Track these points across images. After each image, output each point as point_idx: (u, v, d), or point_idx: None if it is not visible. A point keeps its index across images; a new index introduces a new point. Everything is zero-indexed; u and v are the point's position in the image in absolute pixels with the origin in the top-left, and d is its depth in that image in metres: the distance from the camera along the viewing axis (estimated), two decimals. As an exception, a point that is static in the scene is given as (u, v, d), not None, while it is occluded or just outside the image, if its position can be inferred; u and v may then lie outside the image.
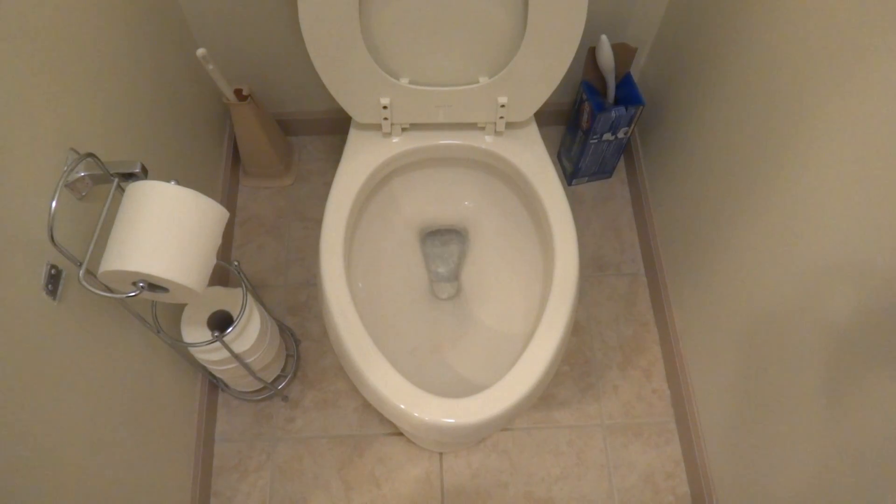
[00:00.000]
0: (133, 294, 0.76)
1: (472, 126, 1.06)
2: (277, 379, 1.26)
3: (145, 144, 1.04)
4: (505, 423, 0.88)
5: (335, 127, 1.53)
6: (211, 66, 1.13)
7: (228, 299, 1.07)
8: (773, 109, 0.90)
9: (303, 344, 1.34)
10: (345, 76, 0.96)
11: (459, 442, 1.19)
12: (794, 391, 0.90)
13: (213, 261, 0.81)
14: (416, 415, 0.85)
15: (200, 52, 1.09)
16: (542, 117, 1.53)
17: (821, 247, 0.82)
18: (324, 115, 1.50)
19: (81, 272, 0.75)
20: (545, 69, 0.95)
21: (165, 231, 0.74)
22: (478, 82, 0.98)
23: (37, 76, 0.75)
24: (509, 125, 1.06)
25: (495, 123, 1.03)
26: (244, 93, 1.28)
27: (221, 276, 1.36)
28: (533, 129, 1.06)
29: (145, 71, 1.05)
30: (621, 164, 1.54)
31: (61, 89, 0.80)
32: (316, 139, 1.57)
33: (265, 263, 1.43)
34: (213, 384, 1.26)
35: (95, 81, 0.89)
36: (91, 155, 0.76)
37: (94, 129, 0.87)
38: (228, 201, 1.44)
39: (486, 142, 1.05)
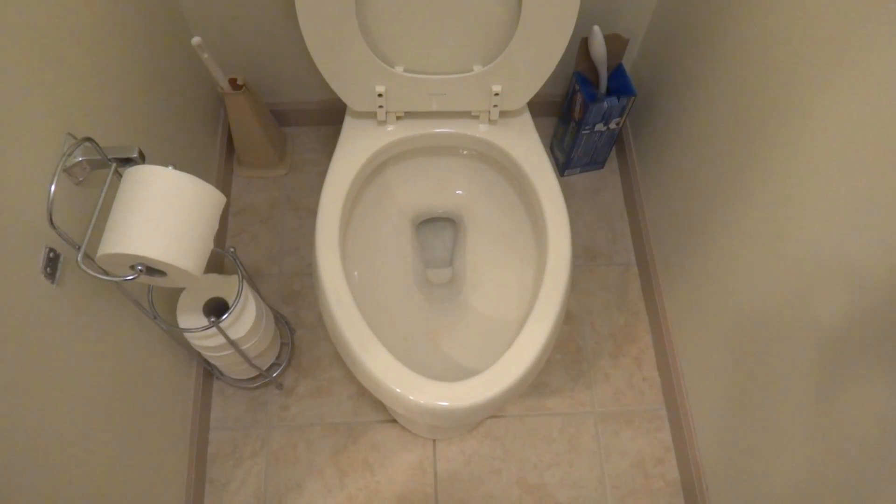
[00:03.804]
0: (131, 277, 0.77)
1: (466, 115, 1.07)
2: (272, 367, 1.27)
3: (141, 133, 1.04)
4: (498, 407, 0.89)
5: (329, 117, 1.54)
6: (206, 55, 1.13)
7: (224, 286, 1.08)
8: (763, 102, 0.92)
9: (297, 333, 1.35)
10: (340, 64, 0.97)
11: (453, 426, 1.20)
12: (783, 382, 0.92)
13: (211, 245, 0.81)
14: (410, 398, 0.86)
15: (195, 40, 1.09)
16: (535, 108, 1.54)
17: (809, 241, 0.83)
18: (318, 106, 1.51)
19: (80, 255, 0.75)
20: (539, 57, 0.96)
21: (163, 215, 0.75)
22: (472, 70, 0.99)
23: (34, 63, 0.75)
24: (503, 114, 1.07)
25: (489, 112, 1.04)
26: (239, 82, 1.28)
27: (217, 263, 1.37)
28: (526, 118, 1.07)
29: (141, 59, 1.05)
30: (613, 155, 1.56)
31: (59, 76, 0.80)
32: (310, 129, 1.57)
33: (259, 253, 1.43)
34: (208, 372, 1.27)
35: (92, 69, 0.89)
36: (89, 139, 0.77)
37: (90, 116, 0.87)
38: (223, 191, 1.45)
39: (480, 130, 1.06)
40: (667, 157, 1.29)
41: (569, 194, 1.52)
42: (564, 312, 0.96)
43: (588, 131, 1.36)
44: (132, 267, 0.76)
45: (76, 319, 0.82)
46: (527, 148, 1.04)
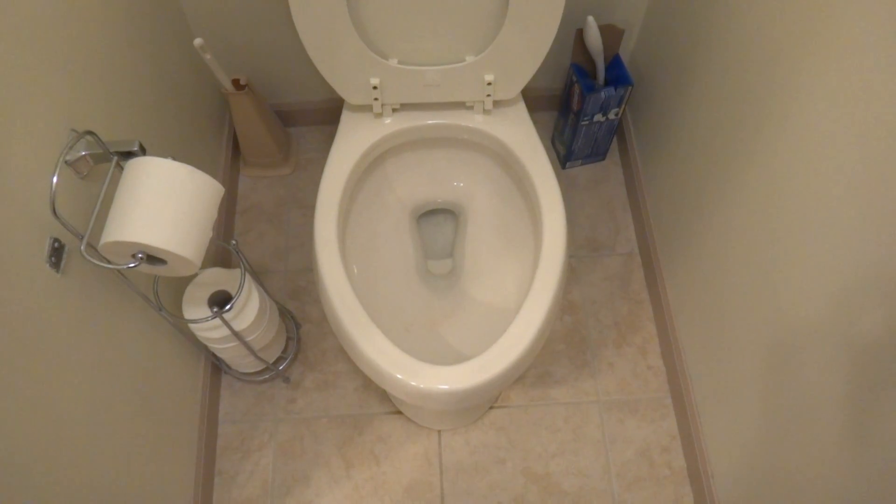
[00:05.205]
0: (132, 265, 0.79)
1: (461, 105, 1.08)
2: (278, 361, 1.29)
3: (146, 132, 1.07)
4: (496, 389, 0.90)
5: (333, 117, 1.55)
6: (208, 56, 1.16)
7: (229, 280, 1.11)
8: (760, 84, 0.91)
9: (303, 327, 1.37)
10: (335, 58, 0.99)
11: (451, 409, 1.20)
12: (786, 367, 0.91)
13: (210, 234, 0.83)
14: (412, 383, 0.87)
15: (197, 41, 1.12)
16: (535, 102, 1.55)
17: (815, 225, 0.82)
18: (321, 105, 1.53)
19: (83, 245, 0.78)
20: (529, 46, 0.98)
21: (162, 203, 0.77)
22: (465, 61, 1.01)
23: (40, 64, 0.78)
24: (497, 104, 1.08)
25: (483, 102, 1.06)
26: (242, 82, 1.31)
27: (224, 259, 1.40)
28: (521, 107, 1.08)
29: (145, 60, 1.08)
30: (615, 147, 1.56)
31: (64, 77, 0.83)
32: (314, 129, 1.60)
33: (266, 250, 1.46)
34: (216, 366, 1.29)
35: (96, 70, 0.92)
36: (90, 133, 0.80)
37: (95, 116, 0.90)
38: (229, 190, 1.47)
39: (476, 120, 1.08)
40: (667, 146, 1.29)
41: (571, 186, 1.53)
42: (561, 295, 0.97)
43: (587, 122, 1.37)
44: (133, 255, 0.79)
45: (81, 309, 0.84)
46: (521, 136, 1.05)
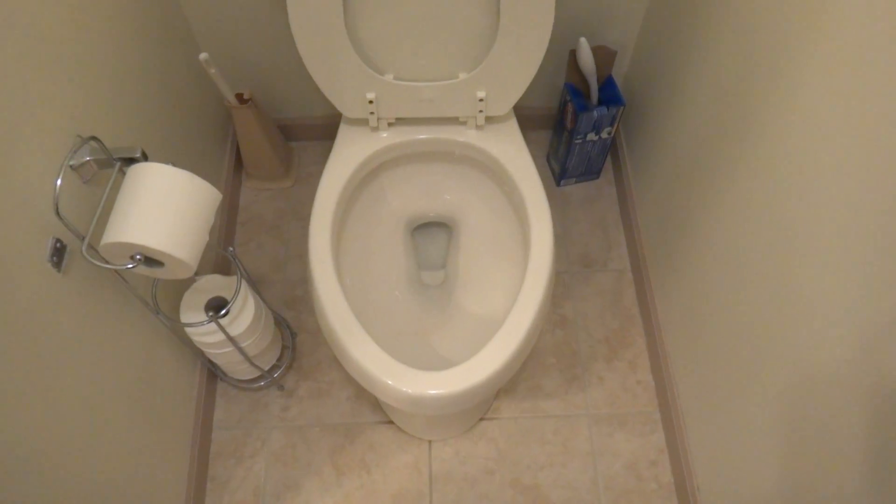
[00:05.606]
0: (130, 266, 0.82)
1: (454, 120, 1.12)
2: (273, 369, 1.31)
3: (151, 143, 1.11)
4: (484, 393, 0.92)
5: (334, 132, 1.56)
6: (213, 70, 1.20)
7: (227, 287, 1.13)
8: (751, 106, 0.93)
9: (299, 336, 1.40)
10: (333, 73, 1.03)
11: (443, 412, 1.22)
12: (769, 384, 0.93)
13: (206, 238, 0.86)
14: (402, 389, 0.89)
15: (203, 56, 1.16)
16: (531, 121, 1.59)
17: (809, 246, 0.81)
18: (323, 121, 1.57)
19: (84, 246, 0.81)
20: (519, 64, 1.01)
21: (160, 207, 0.80)
22: (457, 77, 1.04)
23: (48, 71, 0.82)
24: (490, 119, 1.12)
25: (476, 117, 1.09)
26: (245, 97, 1.35)
27: (223, 267, 1.43)
28: (512, 123, 1.12)
29: (152, 72, 1.12)
30: (608, 166, 1.59)
31: (71, 84, 0.87)
32: (315, 143, 1.64)
33: (265, 260, 1.49)
34: (212, 373, 1.31)
35: (104, 78, 0.96)
36: (94, 138, 0.83)
37: (101, 124, 0.94)
38: (231, 202, 1.51)
39: (468, 135, 1.11)
40: (659, 165, 1.32)
41: (565, 204, 1.56)
42: (548, 303, 0.99)
43: (580, 141, 1.40)
44: (131, 256, 0.82)
45: (81, 309, 0.87)
46: (512, 151, 1.08)
